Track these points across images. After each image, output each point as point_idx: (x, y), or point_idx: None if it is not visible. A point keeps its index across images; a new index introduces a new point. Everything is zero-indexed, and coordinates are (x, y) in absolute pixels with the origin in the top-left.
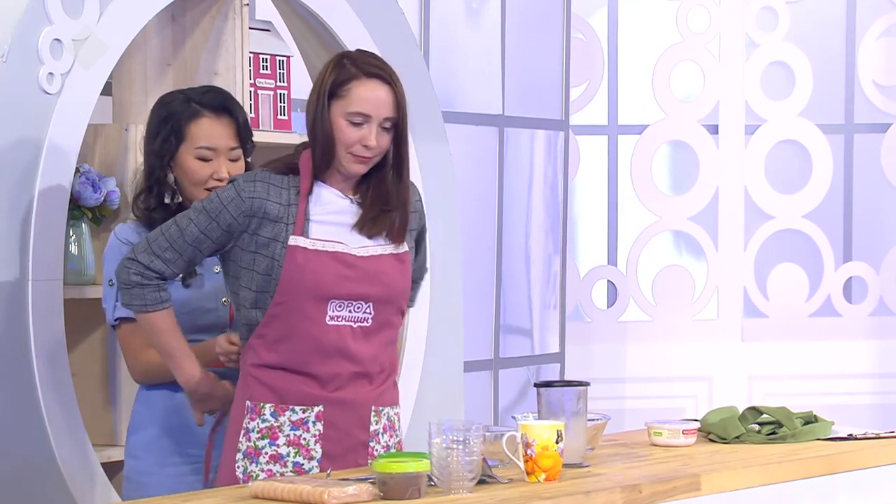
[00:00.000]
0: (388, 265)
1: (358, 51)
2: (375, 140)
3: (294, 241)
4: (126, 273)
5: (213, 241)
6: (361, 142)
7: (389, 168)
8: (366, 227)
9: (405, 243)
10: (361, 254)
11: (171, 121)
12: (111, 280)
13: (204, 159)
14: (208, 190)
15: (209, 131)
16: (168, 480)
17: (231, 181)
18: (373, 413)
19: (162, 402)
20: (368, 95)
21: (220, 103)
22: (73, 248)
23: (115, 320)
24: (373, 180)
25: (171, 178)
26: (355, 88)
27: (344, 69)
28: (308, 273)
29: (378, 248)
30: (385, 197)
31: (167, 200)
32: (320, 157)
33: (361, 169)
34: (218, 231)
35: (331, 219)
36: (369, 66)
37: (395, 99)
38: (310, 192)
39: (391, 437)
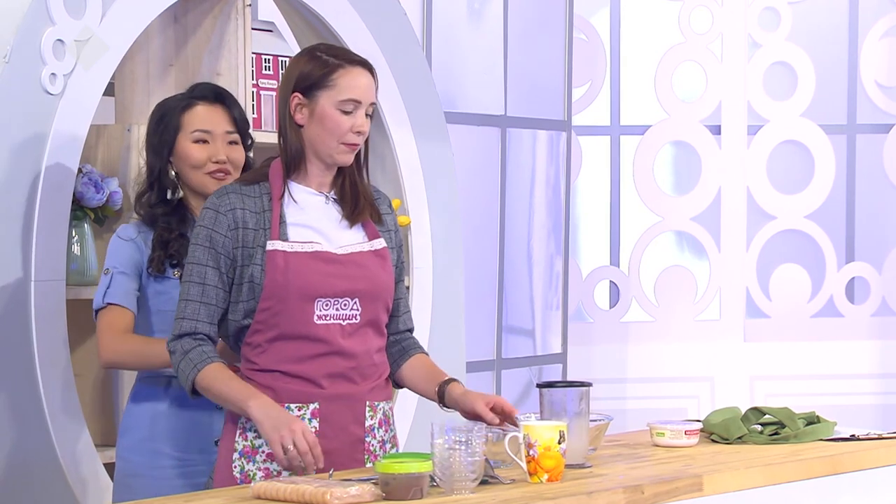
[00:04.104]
0: (368, 260)
1: (323, 44)
2: (366, 125)
3: (272, 245)
4: (174, 360)
5: (224, 271)
6: (353, 129)
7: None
8: (353, 216)
9: (381, 239)
10: (340, 252)
11: (166, 116)
12: (107, 269)
13: (201, 141)
14: (209, 174)
15: (203, 116)
16: (156, 483)
17: (204, 206)
18: (367, 408)
19: (152, 405)
20: (356, 82)
21: (212, 93)
22: (76, 249)
23: (104, 304)
24: (346, 171)
25: (171, 173)
26: (342, 77)
27: (322, 61)
28: (292, 275)
29: (356, 245)
30: (355, 185)
31: (169, 196)
32: (294, 149)
33: (349, 158)
34: (222, 258)
35: (307, 220)
36: (349, 55)
37: (376, 85)
38: (282, 195)
39: (386, 431)
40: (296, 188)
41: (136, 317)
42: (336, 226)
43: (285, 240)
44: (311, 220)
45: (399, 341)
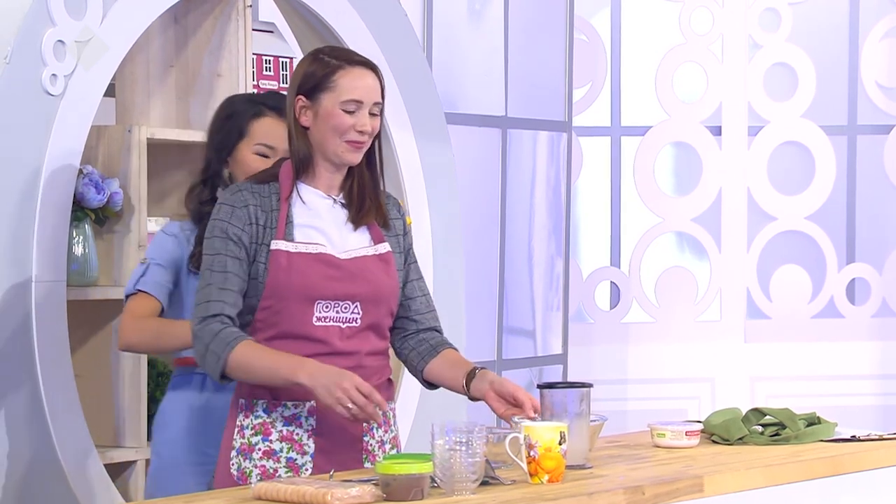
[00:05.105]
0: (371, 265)
1: (328, 46)
2: (369, 124)
3: (276, 244)
4: (201, 343)
5: (242, 260)
6: (355, 127)
7: (364, 159)
8: (357, 219)
9: (386, 243)
10: (344, 256)
11: (234, 118)
12: (144, 259)
13: (262, 155)
14: None
15: (270, 130)
16: (189, 479)
17: (218, 202)
18: None
19: (188, 401)
20: (358, 83)
21: (283, 106)
22: (77, 250)
23: (135, 290)
24: (356, 173)
25: (225, 173)
26: (343, 78)
27: (323, 63)
28: (293, 275)
29: (361, 250)
30: (363, 187)
31: (218, 195)
32: (303, 153)
33: (356, 157)
34: (238, 249)
35: (313, 222)
36: (351, 55)
37: (381, 84)
38: (290, 195)
39: (386, 431)
40: (304, 189)
41: (170, 311)
42: (342, 229)
43: (290, 240)
44: (318, 222)
45: (427, 339)
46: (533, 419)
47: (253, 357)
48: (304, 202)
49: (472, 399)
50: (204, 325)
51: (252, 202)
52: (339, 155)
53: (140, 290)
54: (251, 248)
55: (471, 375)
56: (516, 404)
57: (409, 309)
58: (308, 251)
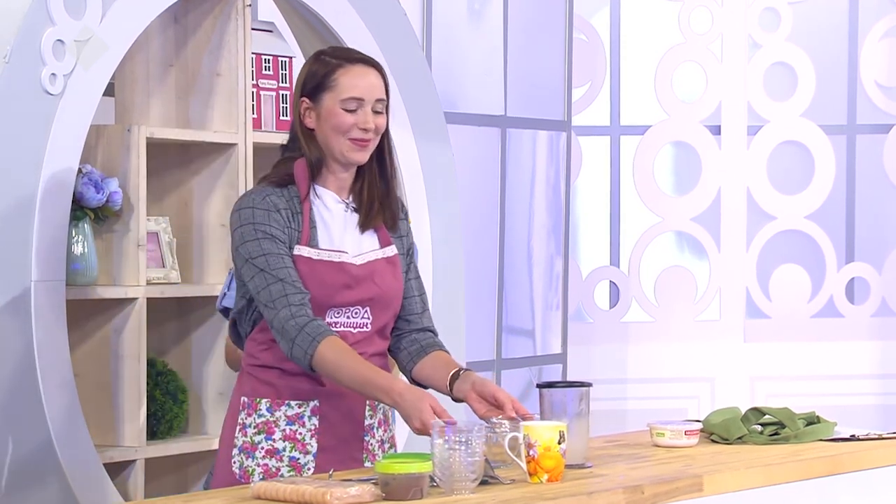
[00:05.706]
0: (381, 268)
1: (331, 46)
2: (372, 122)
3: (298, 250)
4: (288, 337)
5: (290, 257)
6: (358, 125)
7: (374, 160)
8: (365, 222)
9: (392, 245)
10: (358, 262)
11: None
12: (231, 269)
13: None
14: None
15: None
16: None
17: (245, 207)
18: (367, 408)
19: None
20: (358, 81)
21: None
22: (76, 249)
23: (222, 307)
24: (365, 175)
25: None
26: (343, 76)
27: (324, 62)
28: (313, 283)
29: (371, 254)
30: (372, 189)
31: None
32: (314, 156)
33: (362, 156)
34: (286, 247)
35: (334, 226)
36: (351, 54)
37: (384, 81)
38: (307, 196)
39: (385, 431)
40: (320, 192)
41: None
42: (354, 233)
43: (314, 246)
44: (337, 227)
45: (418, 340)
46: (513, 419)
47: (340, 361)
48: (323, 203)
49: (456, 400)
50: (288, 318)
51: (282, 206)
52: (344, 154)
53: (228, 308)
54: (289, 251)
55: (455, 376)
56: (497, 405)
57: (403, 308)
58: (330, 259)
